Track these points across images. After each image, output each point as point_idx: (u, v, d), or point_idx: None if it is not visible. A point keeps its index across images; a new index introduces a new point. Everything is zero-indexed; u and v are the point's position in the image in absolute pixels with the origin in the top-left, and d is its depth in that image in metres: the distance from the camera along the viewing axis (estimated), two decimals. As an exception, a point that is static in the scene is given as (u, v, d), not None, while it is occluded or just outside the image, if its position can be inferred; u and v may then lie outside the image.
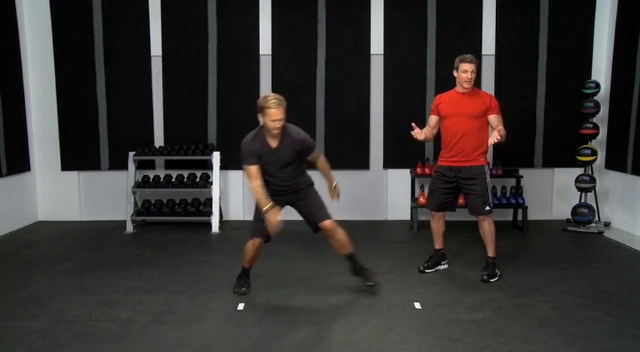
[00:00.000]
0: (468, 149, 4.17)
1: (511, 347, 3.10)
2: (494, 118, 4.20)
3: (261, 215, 3.67)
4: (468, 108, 4.15)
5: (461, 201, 6.06)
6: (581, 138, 6.01)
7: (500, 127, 4.10)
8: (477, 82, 6.17)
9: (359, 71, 6.28)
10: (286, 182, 3.81)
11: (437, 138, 4.47)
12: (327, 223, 3.80)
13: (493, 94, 6.24)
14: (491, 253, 4.32)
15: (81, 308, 3.69)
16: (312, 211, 3.85)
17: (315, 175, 3.98)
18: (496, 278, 4.26)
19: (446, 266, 4.57)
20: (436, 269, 4.52)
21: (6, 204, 5.88)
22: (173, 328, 3.38)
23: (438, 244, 4.53)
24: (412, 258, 4.78)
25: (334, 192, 3.94)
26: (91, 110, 6.34)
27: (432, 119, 4.36)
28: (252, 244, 3.90)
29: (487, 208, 4.22)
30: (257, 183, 3.68)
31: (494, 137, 3.97)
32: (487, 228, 4.28)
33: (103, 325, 3.43)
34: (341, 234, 3.85)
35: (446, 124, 4.26)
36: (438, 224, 4.47)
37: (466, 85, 4.17)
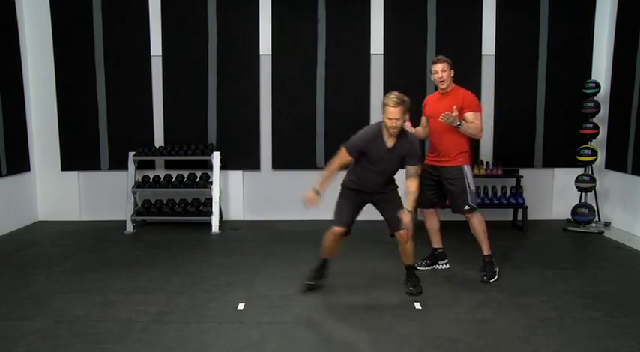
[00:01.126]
0: (446, 149, 4.25)
1: (511, 347, 3.10)
2: (469, 116, 4.21)
3: (340, 199, 3.86)
4: (444, 109, 4.17)
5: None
6: (581, 138, 6.01)
7: (471, 122, 4.14)
8: (477, 82, 6.26)
9: (359, 71, 6.28)
10: (379, 184, 3.86)
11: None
12: (402, 234, 3.83)
13: (493, 94, 6.31)
14: (485, 251, 4.33)
15: (81, 308, 3.69)
16: (393, 217, 3.85)
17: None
18: (496, 278, 4.26)
19: (446, 266, 4.56)
20: (433, 268, 4.52)
21: (6, 204, 5.88)
22: (173, 328, 3.38)
23: (434, 243, 4.55)
24: (414, 259, 4.77)
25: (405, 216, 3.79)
26: (91, 110, 6.34)
27: (423, 119, 4.49)
28: (331, 233, 3.89)
29: (466, 207, 4.25)
30: (335, 167, 3.78)
31: (449, 115, 4.00)
32: (476, 225, 4.31)
33: (103, 325, 3.43)
34: (409, 246, 3.90)
35: (429, 125, 4.38)
36: (430, 221, 4.52)
37: (441, 86, 4.26)
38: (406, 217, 3.68)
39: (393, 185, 3.96)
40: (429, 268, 4.52)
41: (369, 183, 3.85)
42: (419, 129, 4.46)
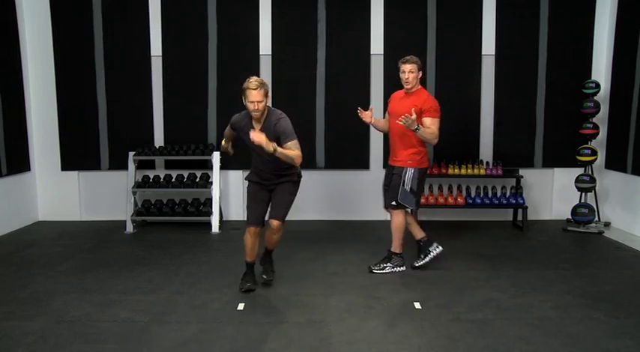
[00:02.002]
0: (399, 149, 4.32)
1: (511, 347, 3.10)
2: (426, 121, 4.22)
3: (247, 197, 4.00)
4: (403, 109, 4.19)
5: (460, 201, 6.09)
6: (581, 138, 6.01)
7: (427, 128, 4.17)
8: (477, 82, 6.26)
9: (359, 71, 6.28)
10: (267, 166, 3.88)
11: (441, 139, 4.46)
12: (274, 223, 3.92)
13: (493, 94, 6.31)
14: (394, 248, 4.45)
15: (81, 308, 3.69)
16: (274, 205, 3.97)
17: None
18: (383, 271, 4.37)
19: (439, 248, 4.51)
20: (429, 258, 4.49)
21: (6, 204, 5.88)
22: (173, 328, 3.38)
23: (416, 235, 4.55)
24: (412, 258, 4.77)
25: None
26: (91, 110, 6.33)
27: (387, 114, 4.57)
28: (247, 233, 4.00)
29: (393, 203, 4.36)
30: (226, 132, 4.09)
31: (409, 118, 4.00)
32: (395, 222, 4.41)
33: (103, 325, 3.43)
34: (277, 238, 4.05)
35: (389, 122, 4.45)
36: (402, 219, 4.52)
37: (406, 86, 4.31)
38: (255, 135, 3.57)
39: (292, 174, 3.99)
40: (426, 260, 4.49)
41: (265, 172, 3.92)
42: (381, 120, 4.58)
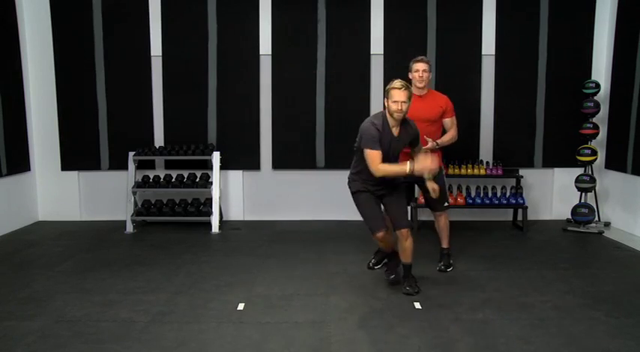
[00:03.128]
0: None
1: (511, 347, 3.10)
2: (448, 122, 4.35)
3: (361, 207, 3.82)
4: (425, 113, 4.21)
5: (461, 201, 6.09)
6: (581, 138, 6.01)
7: (448, 133, 4.30)
8: (477, 82, 6.26)
9: (359, 71, 6.28)
10: (399, 179, 3.83)
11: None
12: (404, 232, 3.84)
13: (493, 94, 6.32)
14: (445, 244, 4.52)
15: (81, 308, 3.69)
16: (397, 214, 3.88)
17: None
18: (451, 268, 4.39)
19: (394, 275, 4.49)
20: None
21: (6, 204, 5.88)
22: (173, 328, 3.38)
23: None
24: (413, 258, 4.77)
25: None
26: (91, 110, 6.33)
27: None
28: (380, 238, 3.85)
29: (446, 204, 4.44)
30: (384, 165, 3.61)
31: (428, 147, 4.13)
32: (444, 221, 4.48)
33: (103, 325, 3.43)
34: (409, 244, 3.88)
35: None
36: None
37: (419, 85, 4.28)
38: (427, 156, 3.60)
39: (400, 182, 3.93)
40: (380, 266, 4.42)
41: (378, 178, 3.74)
42: None
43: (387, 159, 3.68)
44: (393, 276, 4.09)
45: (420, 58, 4.31)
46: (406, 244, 3.88)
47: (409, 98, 3.62)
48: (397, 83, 3.60)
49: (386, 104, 3.68)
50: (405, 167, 3.58)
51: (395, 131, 3.72)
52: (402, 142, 3.78)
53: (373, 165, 3.61)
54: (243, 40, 6.28)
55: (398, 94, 3.57)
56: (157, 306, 3.72)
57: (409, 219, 3.95)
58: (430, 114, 4.25)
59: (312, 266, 4.64)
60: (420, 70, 4.25)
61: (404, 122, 3.74)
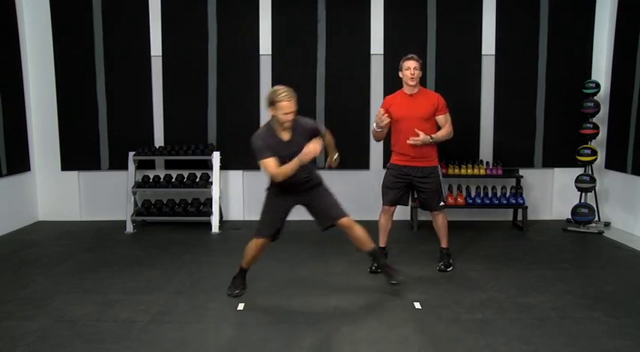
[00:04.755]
0: (421, 151, 4.27)
1: (511, 347, 3.10)
2: (442, 118, 4.32)
3: (266, 208, 3.77)
4: (418, 111, 4.20)
5: (460, 201, 6.10)
6: (581, 138, 6.01)
7: (443, 128, 4.28)
8: (478, 82, 6.26)
9: (359, 71, 6.28)
10: (304, 174, 3.71)
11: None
12: (344, 221, 3.79)
13: (493, 94, 6.32)
14: (445, 244, 4.53)
15: (81, 308, 3.69)
16: (327, 210, 3.82)
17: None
18: (451, 268, 4.37)
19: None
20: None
21: (6, 204, 5.88)
22: (173, 328, 3.38)
23: (382, 242, 4.53)
24: (412, 258, 4.78)
25: (333, 161, 3.96)
26: (91, 110, 6.33)
27: (381, 122, 4.36)
28: (255, 244, 3.86)
29: (441, 204, 4.43)
30: (279, 169, 3.55)
31: (419, 139, 4.13)
32: (442, 221, 4.47)
33: (103, 325, 3.43)
34: (359, 231, 3.83)
35: (398, 127, 4.34)
36: (387, 219, 4.51)
37: (411, 83, 4.26)
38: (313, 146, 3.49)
39: (317, 174, 3.87)
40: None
41: (293, 181, 3.66)
42: (379, 133, 4.35)
43: (286, 163, 3.57)
44: (237, 291, 3.95)
45: (410, 56, 4.26)
46: (356, 232, 3.82)
47: (296, 104, 3.57)
48: (284, 95, 3.50)
49: (273, 113, 3.58)
50: (295, 161, 3.51)
51: (285, 135, 3.66)
52: (296, 143, 3.62)
53: (271, 171, 3.58)
54: (243, 40, 6.28)
55: (287, 106, 3.51)
56: (156, 306, 3.72)
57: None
58: (422, 112, 4.23)
59: (312, 266, 4.64)
60: (411, 67, 4.20)
61: (295, 124, 3.66)
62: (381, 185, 4.51)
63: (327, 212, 3.83)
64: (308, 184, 3.80)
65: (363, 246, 3.91)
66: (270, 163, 3.56)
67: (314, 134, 3.74)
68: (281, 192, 3.76)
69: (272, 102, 3.56)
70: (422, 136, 4.15)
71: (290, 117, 3.56)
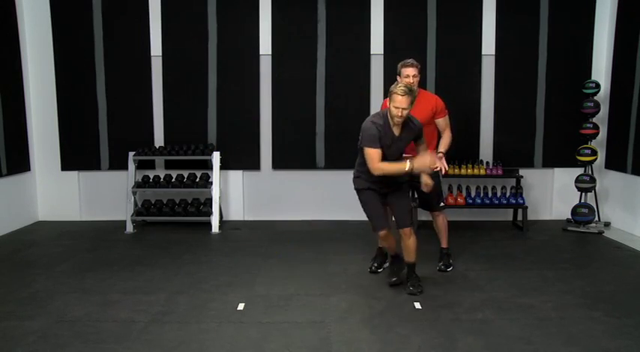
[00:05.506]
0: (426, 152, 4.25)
1: (511, 347, 3.10)
2: (441, 122, 4.32)
3: (365, 205, 3.88)
4: (416, 115, 4.15)
5: (460, 201, 6.09)
6: (581, 138, 6.01)
7: (446, 139, 4.28)
8: (477, 82, 6.27)
9: (359, 71, 6.28)
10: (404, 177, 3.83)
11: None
12: (406, 231, 3.89)
13: (493, 94, 6.32)
14: (445, 244, 4.54)
15: (81, 308, 3.69)
16: (399, 214, 3.92)
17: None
18: (451, 268, 4.39)
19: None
20: (383, 268, 4.48)
21: (6, 204, 5.88)
22: (173, 328, 3.38)
23: (392, 251, 4.50)
24: (417, 257, 4.77)
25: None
26: (91, 110, 6.33)
27: None
28: (381, 237, 3.94)
29: (442, 204, 4.44)
30: (382, 164, 3.63)
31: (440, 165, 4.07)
32: (442, 221, 4.49)
33: (103, 325, 3.43)
34: (412, 243, 3.92)
35: None
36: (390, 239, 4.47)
37: None
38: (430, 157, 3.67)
39: (405, 179, 3.91)
40: (382, 269, 4.47)
41: (389, 178, 3.77)
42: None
43: (388, 157, 3.70)
44: (395, 279, 4.08)
45: (409, 61, 4.18)
46: (408, 242, 3.91)
47: (411, 103, 3.60)
48: (400, 89, 3.55)
49: (388, 104, 3.68)
50: (404, 165, 3.60)
51: (396, 130, 3.73)
52: (404, 141, 3.79)
53: (372, 163, 3.65)
54: (243, 40, 6.28)
55: (399, 100, 3.55)
56: (156, 306, 3.72)
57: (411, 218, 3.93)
58: (422, 115, 4.14)
59: (312, 266, 4.64)
60: (410, 75, 4.12)
61: (407, 121, 3.75)
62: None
63: (396, 217, 3.95)
64: (396, 181, 3.87)
65: (407, 256, 3.99)
66: (375, 155, 3.62)
67: (418, 136, 3.83)
68: (369, 181, 3.84)
69: (389, 93, 3.61)
70: (438, 164, 4.00)
71: (399, 112, 3.57)
